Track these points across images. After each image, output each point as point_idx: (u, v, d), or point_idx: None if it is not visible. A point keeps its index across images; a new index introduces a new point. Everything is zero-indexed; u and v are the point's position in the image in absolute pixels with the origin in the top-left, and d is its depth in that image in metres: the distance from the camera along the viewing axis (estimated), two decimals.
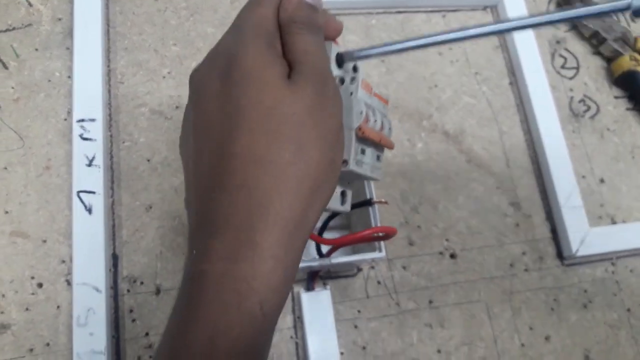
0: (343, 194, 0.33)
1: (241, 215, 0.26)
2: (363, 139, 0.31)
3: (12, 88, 0.49)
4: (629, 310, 0.52)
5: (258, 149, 0.26)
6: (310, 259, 0.41)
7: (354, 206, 0.44)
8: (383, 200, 0.42)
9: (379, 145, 0.33)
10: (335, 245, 0.39)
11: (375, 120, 0.32)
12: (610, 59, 0.62)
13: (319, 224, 0.44)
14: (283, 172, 0.27)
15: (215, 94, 0.28)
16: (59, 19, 0.52)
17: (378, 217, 0.41)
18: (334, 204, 0.33)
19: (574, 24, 0.63)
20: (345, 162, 0.30)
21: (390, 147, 0.33)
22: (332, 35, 0.32)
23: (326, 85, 0.29)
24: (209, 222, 0.27)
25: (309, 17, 0.30)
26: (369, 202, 0.42)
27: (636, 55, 0.60)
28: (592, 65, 0.62)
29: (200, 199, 0.27)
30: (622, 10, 0.32)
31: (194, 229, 0.28)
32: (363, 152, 0.32)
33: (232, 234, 0.26)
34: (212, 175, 0.27)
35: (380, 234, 0.39)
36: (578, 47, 0.62)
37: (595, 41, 0.62)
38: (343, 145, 0.30)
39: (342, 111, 0.30)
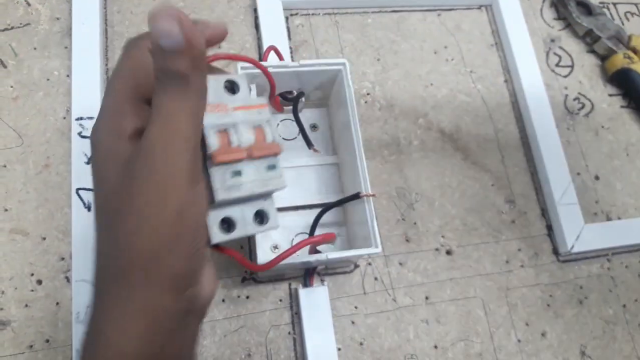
0: (258, 214, 0.32)
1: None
2: (229, 162, 0.29)
3: (11, 87, 0.49)
4: (624, 306, 0.52)
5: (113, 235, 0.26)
6: (306, 255, 0.41)
7: (342, 201, 0.45)
8: (371, 193, 0.42)
9: (265, 157, 0.31)
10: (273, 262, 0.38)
11: (240, 137, 0.30)
12: (604, 57, 0.62)
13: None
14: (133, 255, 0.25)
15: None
16: (57, 18, 0.52)
17: (374, 213, 0.42)
18: (251, 229, 0.31)
19: (568, 22, 0.63)
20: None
21: (274, 152, 0.31)
22: (213, 43, 0.29)
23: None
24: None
25: (163, 67, 0.25)
26: (357, 196, 0.42)
27: (630, 53, 0.61)
28: (586, 64, 0.62)
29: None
30: None
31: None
32: (238, 173, 0.30)
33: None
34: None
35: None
36: (572, 46, 0.63)
37: (589, 39, 0.63)
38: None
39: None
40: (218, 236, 0.29)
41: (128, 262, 0.25)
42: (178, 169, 0.25)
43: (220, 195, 0.29)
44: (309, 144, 0.44)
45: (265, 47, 0.52)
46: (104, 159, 0.26)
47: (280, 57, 0.47)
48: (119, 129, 0.26)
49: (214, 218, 0.30)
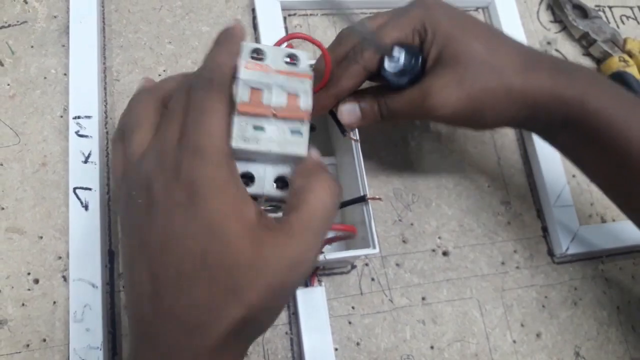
0: (280, 179, 0.33)
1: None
2: (252, 115, 0.31)
3: (8, 85, 0.49)
4: (618, 307, 0.53)
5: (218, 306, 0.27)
6: None
7: (347, 203, 0.45)
8: (377, 197, 0.42)
9: (290, 119, 0.32)
10: None
11: (271, 97, 0.31)
12: (599, 60, 0.63)
13: None
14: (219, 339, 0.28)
15: (177, 225, 0.28)
16: (55, 17, 0.52)
17: (372, 214, 0.42)
18: (269, 189, 0.33)
19: (564, 25, 0.64)
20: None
21: (300, 117, 0.32)
22: None
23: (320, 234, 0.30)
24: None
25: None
26: (362, 199, 0.42)
27: (625, 56, 0.61)
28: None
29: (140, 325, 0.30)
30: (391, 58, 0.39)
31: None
32: (260, 128, 0.31)
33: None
34: (154, 311, 0.28)
35: (340, 234, 0.40)
36: (568, 48, 0.63)
37: (585, 42, 0.63)
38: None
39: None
40: None
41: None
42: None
43: (235, 142, 0.30)
44: (342, 131, 0.44)
45: None
46: (226, 230, 0.28)
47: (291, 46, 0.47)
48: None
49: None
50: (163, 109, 0.32)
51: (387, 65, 0.39)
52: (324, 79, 0.40)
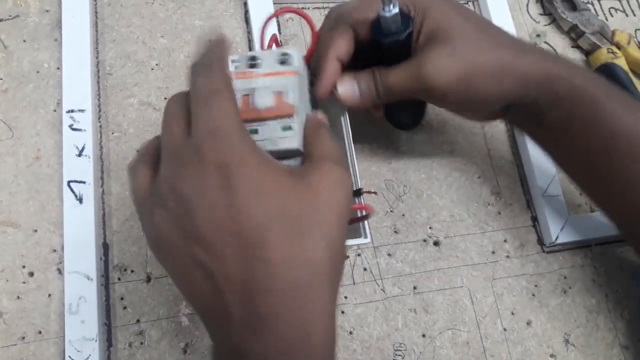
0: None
1: (293, 314, 0.28)
2: (245, 121, 0.31)
3: (1, 79, 0.49)
4: (606, 295, 0.54)
5: (296, 252, 0.28)
6: None
7: None
8: (372, 190, 0.43)
9: (279, 117, 0.34)
10: None
11: (258, 100, 0.33)
12: (588, 52, 0.64)
13: None
14: (324, 267, 0.29)
15: (217, 206, 0.28)
16: (47, 11, 0.52)
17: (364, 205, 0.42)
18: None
19: (553, 18, 0.64)
20: None
21: (286, 113, 0.34)
22: None
23: (343, 178, 0.32)
24: (256, 323, 0.28)
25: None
26: (358, 193, 0.43)
27: (614, 48, 0.62)
28: (571, 58, 0.63)
29: (238, 305, 0.28)
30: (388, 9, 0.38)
31: (237, 334, 0.29)
32: (254, 131, 0.33)
33: (285, 333, 0.28)
34: (249, 280, 0.28)
35: (364, 213, 0.40)
36: (557, 40, 0.64)
37: (574, 34, 0.64)
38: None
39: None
40: None
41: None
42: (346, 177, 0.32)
43: None
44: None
45: (255, 41, 0.53)
46: (268, 188, 0.29)
47: (278, 46, 0.47)
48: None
49: None
50: None
51: (382, 11, 0.38)
52: (312, 43, 0.41)
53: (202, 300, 0.30)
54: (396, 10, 0.38)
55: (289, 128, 0.33)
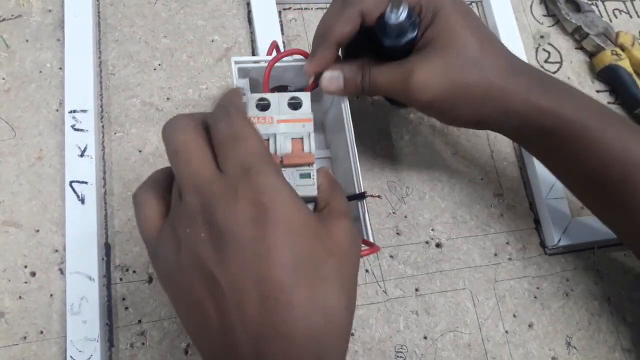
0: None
1: None
2: None
3: (3, 79, 0.49)
4: (609, 298, 0.53)
5: (317, 300, 0.28)
6: None
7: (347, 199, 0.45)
8: (376, 194, 0.43)
9: (301, 165, 0.35)
10: None
11: (277, 146, 0.35)
12: (592, 54, 0.63)
13: None
14: (341, 316, 0.29)
15: (250, 240, 0.27)
16: (50, 10, 0.52)
17: (366, 207, 0.42)
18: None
19: (557, 19, 0.64)
20: None
21: (306, 162, 0.35)
22: None
23: (358, 236, 0.33)
24: None
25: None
26: (362, 196, 0.42)
27: (617, 49, 0.61)
28: (574, 60, 0.63)
29: (248, 346, 0.28)
30: (393, 12, 0.37)
31: None
32: None
33: None
34: (266, 322, 0.27)
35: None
36: (561, 42, 0.64)
37: (578, 36, 0.63)
38: None
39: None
40: None
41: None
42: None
43: None
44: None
45: (258, 41, 0.53)
46: (299, 229, 0.29)
47: (279, 52, 0.47)
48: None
49: None
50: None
51: (392, 16, 0.38)
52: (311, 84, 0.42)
53: (208, 333, 0.29)
54: (402, 17, 0.37)
55: (308, 176, 0.35)
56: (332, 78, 0.41)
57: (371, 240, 0.41)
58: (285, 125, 0.35)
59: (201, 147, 0.29)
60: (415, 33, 0.39)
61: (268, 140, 0.35)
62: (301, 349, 0.28)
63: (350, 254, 0.31)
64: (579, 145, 0.41)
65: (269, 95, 0.36)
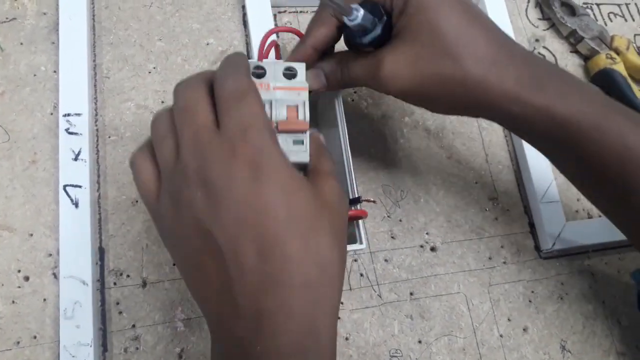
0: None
1: (305, 310, 0.29)
2: None
3: None
4: (604, 302, 0.54)
5: (312, 251, 0.30)
6: None
7: None
8: (372, 199, 0.43)
9: (295, 131, 0.36)
10: None
11: (273, 112, 0.36)
12: (587, 57, 0.63)
13: None
14: (333, 265, 0.31)
15: (245, 197, 0.29)
16: (44, 14, 0.52)
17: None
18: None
19: (552, 23, 0.64)
20: None
21: (300, 129, 0.36)
22: None
23: (344, 194, 0.35)
24: (265, 319, 0.29)
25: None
26: (357, 200, 0.42)
27: (612, 53, 0.62)
28: (569, 63, 0.63)
29: (247, 298, 0.29)
30: (351, 15, 0.37)
31: (244, 327, 0.29)
32: None
33: (296, 329, 0.29)
34: (263, 273, 0.29)
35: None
36: (556, 45, 0.64)
37: (572, 40, 0.64)
38: None
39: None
40: None
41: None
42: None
43: None
44: None
45: (253, 44, 0.53)
46: (291, 192, 0.30)
47: (278, 53, 0.47)
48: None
49: None
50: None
51: (347, 20, 0.38)
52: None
53: (209, 290, 0.30)
54: (358, 20, 0.38)
55: (301, 142, 0.36)
56: (315, 76, 0.42)
57: (363, 242, 0.41)
58: (282, 92, 0.36)
59: (206, 105, 0.31)
60: (381, 30, 0.39)
61: (264, 106, 0.36)
62: (298, 298, 0.29)
63: (339, 209, 0.33)
64: (573, 143, 0.39)
65: (264, 63, 0.37)
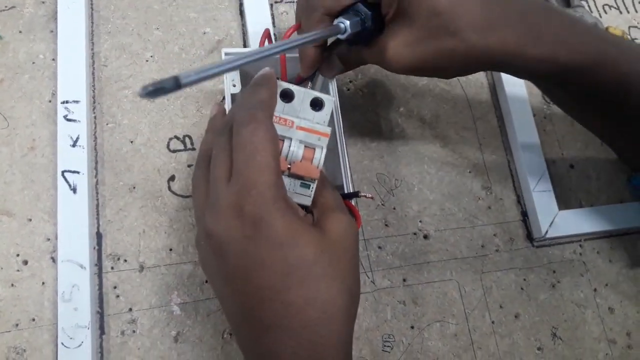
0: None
1: (306, 349, 0.32)
2: None
3: None
4: (595, 290, 0.54)
5: (310, 296, 0.32)
6: None
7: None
8: (369, 195, 0.43)
9: (302, 178, 0.37)
10: None
11: (290, 150, 0.37)
12: None
13: None
14: (334, 306, 0.33)
15: (252, 253, 0.32)
16: (43, 2, 0.52)
17: (356, 200, 0.43)
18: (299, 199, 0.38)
19: None
20: None
21: (311, 176, 0.37)
22: None
23: (350, 223, 0.36)
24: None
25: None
26: (355, 195, 0.43)
27: None
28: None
29: (251, 342, 0.34)
30: (338, 34, 0.38)
31: None
32: None
33: None
34: (265, 318, 0.32)
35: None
36: None
37: None
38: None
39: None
40: None
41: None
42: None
43: None
44: None
45: (249, 33, 0.53)
46: (291, 248, 0.33)
47: (270, 41, 0.47)
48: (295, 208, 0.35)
49: None
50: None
51: (340, 37, 0.39)
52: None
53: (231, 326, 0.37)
54: (349, 31, 0.38)
55: (307, 187, 0.37)
56: (330, 69, 0.44)
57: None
58: (303, 133, 0.37)
59: (225, 158, 0.34)
60: (372, 22, 0.39)
61: (283, 141, 0.37)
62: (297, 338, 0.32)
63: (344, 244, 0.34)
64: (575, 80, 0.42)
65: (295, 89, 0.38)
